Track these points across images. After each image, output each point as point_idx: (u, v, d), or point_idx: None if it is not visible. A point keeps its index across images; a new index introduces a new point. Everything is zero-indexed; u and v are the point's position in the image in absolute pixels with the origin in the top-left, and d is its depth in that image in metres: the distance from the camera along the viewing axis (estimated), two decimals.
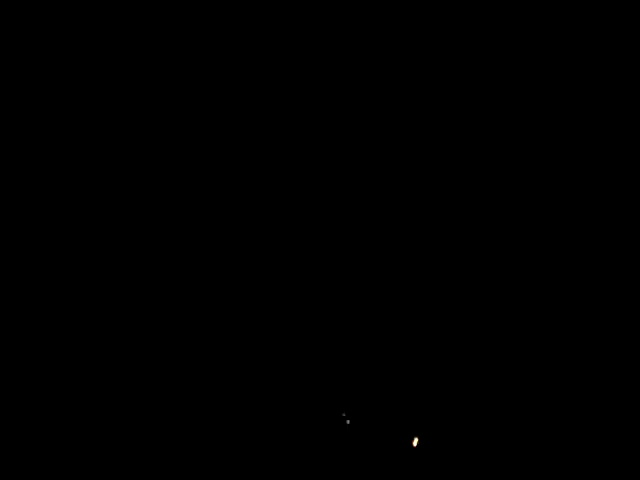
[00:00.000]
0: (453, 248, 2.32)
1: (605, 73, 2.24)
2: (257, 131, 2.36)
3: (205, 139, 2.34)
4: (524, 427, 2.20)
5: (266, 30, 2.31)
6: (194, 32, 2.31)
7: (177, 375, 2.28)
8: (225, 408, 2.27)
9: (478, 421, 2.22)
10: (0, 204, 2.24)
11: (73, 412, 2.21)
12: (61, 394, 2.22)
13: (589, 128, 2.26)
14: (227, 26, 2.31)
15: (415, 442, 2.24)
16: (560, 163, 2.28)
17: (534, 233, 2.28)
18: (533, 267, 2.27)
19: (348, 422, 2.22)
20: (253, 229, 2.35)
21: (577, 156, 2.27)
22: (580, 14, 2.22)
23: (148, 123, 2.32)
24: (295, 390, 2.29)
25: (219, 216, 2.35)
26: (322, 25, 2.30)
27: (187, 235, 2.34)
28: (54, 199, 2.28)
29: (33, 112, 2.26)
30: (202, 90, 2.34)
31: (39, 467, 2.15)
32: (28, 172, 2.26)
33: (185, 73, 2.33)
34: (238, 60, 2.33)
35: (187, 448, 2.23)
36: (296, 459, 2.23)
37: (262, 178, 2.36)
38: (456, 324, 2.29)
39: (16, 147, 2.25)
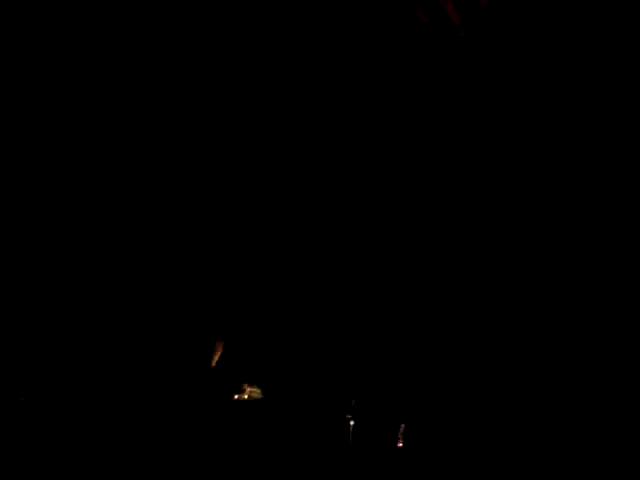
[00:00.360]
0: (453, 248, 2.33)
1: (605, 74, 2.26)
2: (256, 131, 2.36)
3: (204, 139, 2.34)
4: (522, 426, 2.21)
5: (266, 30, 2.31)
6: (194, 32, 2.30)
7: (177, 374, 2.27)
8: (225, 407, 2.26)
9: (477, 420, 2.23)
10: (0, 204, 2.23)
11: (73, 411, 2.20)
12: (61, 393, 2.21)
13: (589, 129, 2.28)
14: (227, 26, 2.31)
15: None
16: (560, 163, 2.29)
17: (534, 233, 2.30)
18: (533, 267, 2.29)
19: (351, 423, 2.22)
20: (253, 228, 2.35)
21: (577, 156, 2.28)
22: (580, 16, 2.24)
23: (148, 123, 2.31)
24: (295, 390, 2.29)
25: (219, 215, 2.35)
26: (322, 26, 2.31)
27: (187, 234, 2.33)
28: (54, 198, 2.26)
29: (33, 112, 2.25)
30: (202, 90, 2.33)
31: (39, 467, 2.14)
32: (28, 172, 2.25)
33: (185, 73, 2.32)
34: (238, 60, 2.33)
35: (186, 447, 2.22)
36: (296, 459, 2.23)
37: (262, 178, 2.35)
38: (456, 324, 2.30)
39: (16, 147, 2.23)
